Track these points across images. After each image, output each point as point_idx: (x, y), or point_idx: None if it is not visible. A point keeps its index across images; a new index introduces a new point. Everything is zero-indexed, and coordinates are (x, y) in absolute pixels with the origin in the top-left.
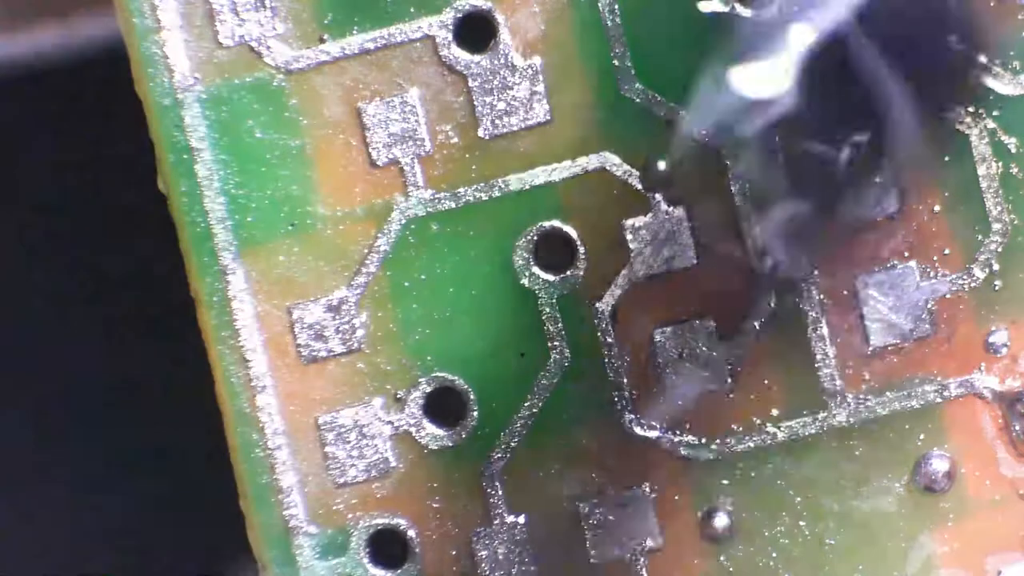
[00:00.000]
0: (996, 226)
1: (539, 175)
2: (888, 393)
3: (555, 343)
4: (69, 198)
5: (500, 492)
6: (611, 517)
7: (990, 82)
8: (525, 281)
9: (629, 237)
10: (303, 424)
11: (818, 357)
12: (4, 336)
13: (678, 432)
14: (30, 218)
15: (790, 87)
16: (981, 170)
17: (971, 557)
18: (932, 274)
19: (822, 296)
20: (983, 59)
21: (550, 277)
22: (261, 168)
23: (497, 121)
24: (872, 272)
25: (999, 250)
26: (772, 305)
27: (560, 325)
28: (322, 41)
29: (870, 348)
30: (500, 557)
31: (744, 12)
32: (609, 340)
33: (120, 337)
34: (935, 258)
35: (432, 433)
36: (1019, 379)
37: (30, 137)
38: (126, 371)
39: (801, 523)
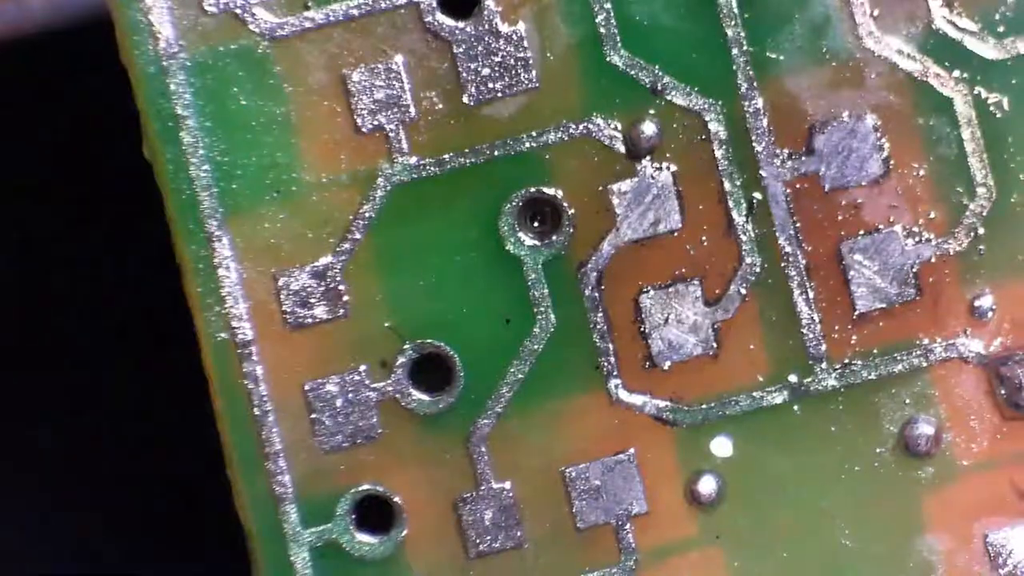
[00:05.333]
0: (980, 190)
1: (524, 141)
2: (873, 357)
3: (541, 308)
4: (54, 166)
5: (486, 458)
6: (597, 483)
7: (975, 46)
8: (510, 247)
9: (615, 201)
10: (289, 391)
11: (803, 322)
12: None
13: (664, 397)
14: (13, 186)
15: None
16: (965, 134)
17: (957, 521)
18: (917, 238)
19: (807, 261)
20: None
21: (535, 242)
22: (246, 135)
23: (482, 87)
24: (857, 237)
25: (984, 214)
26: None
27: (546, 290)
28: (307, 8)
29: (856, 313)
30: (487, 522)
31: None
32: (595, 305)
33: (106, 304)
34: (920, 222)
35: (418, 399)
36: (1004, 343)
37: (13, 105)
38: (112, 340)
39: (787, 487)
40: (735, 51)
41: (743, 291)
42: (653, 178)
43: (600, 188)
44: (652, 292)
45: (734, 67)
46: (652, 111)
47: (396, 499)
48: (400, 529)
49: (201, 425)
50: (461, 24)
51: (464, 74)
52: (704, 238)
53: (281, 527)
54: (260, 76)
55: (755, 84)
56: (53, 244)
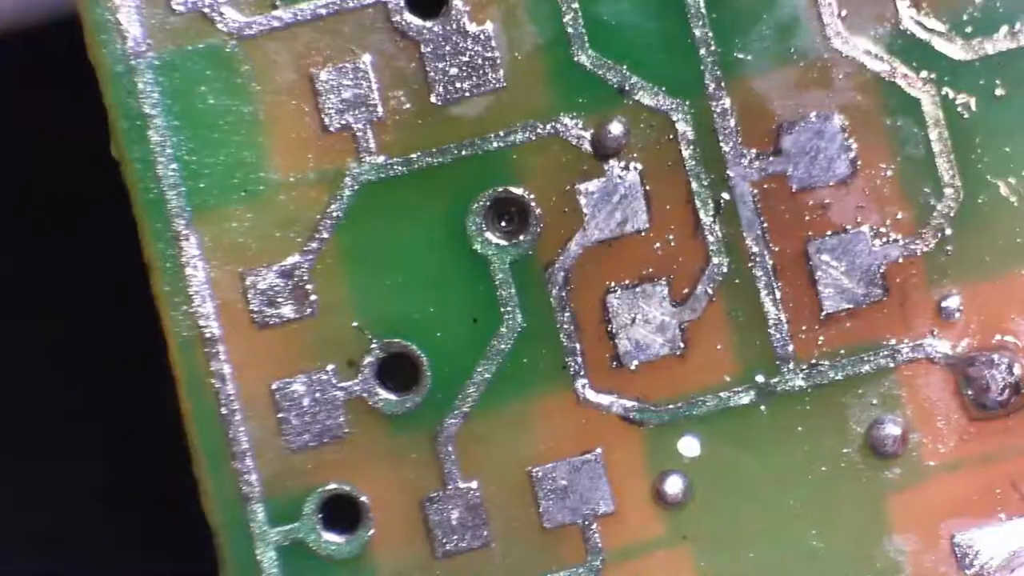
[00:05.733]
0: (948, 191)
1: (492, 141)
2: (841, 358)
3: (508, 308)
4: (21, 164)
5: (453, 457)
6: (564, 482)
7: (942, 46)
8: (478, 246)
9: (582, 201)
10: (256, 390)
11: (770, 322)
12: None
13: (631, 397)
14: None
15: None
16: (933, 134)
17: (924, 522)
18: (884, 239)
19: (774, 261)
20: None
21: (503, 242)
22: (214, 134)
23: (449, 87)
24: (824, 237)
25: (951, 215)
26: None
27: (513, 290)
28: (274, 7)
29: (823, 313)
30: (453, 522)
31: None
32: (562, 304)
33: (74, 306)
34: (887, 223)
35: (385, 399)
36: (970, 343)
37: None
38: (81, 340)
39: (754, 488)
40: (703, 51)
41: (710, 291)
42: (620, 178)
43: (567, 188)
44: (619, 292)
45: (702, 67)
46: (619, 111)
47: (363, 498)
48: (367, 528)
49: (168, 423)
50: (429, 24)
51: (432, 73)
52: (671, 238)
53: (248, 526)
54: (228, 75)
55: (723, 84)
56: (20, 241)
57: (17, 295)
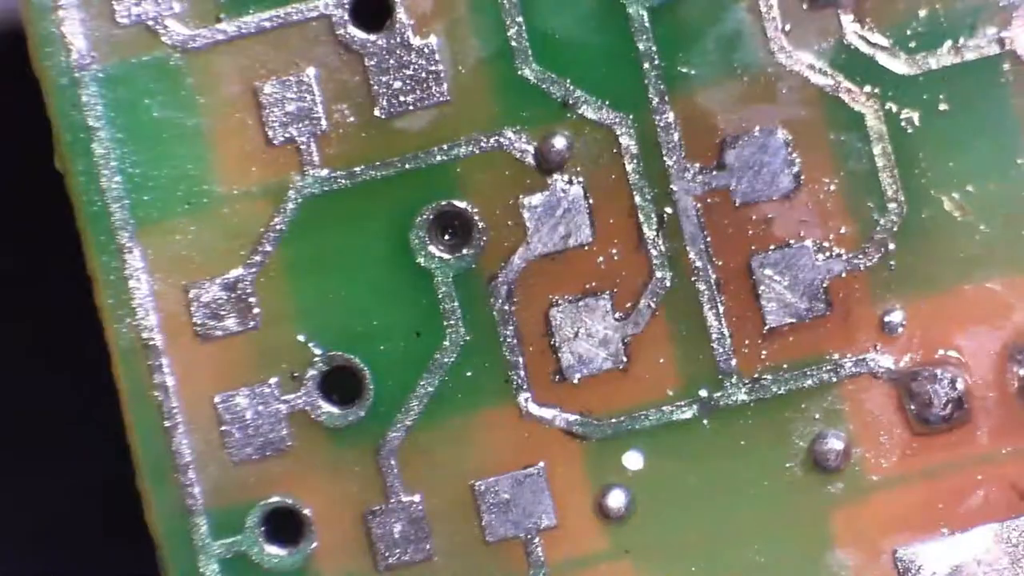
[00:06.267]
0: (891, 205)
1: (435, 154)
2: (784, 372)
3: (451, 322)
4: (21, 164)
5: (396, 471)
6: (506, 496)
7: (886, 61)
8: (421, 260)
9: (526, 215)
10: (199, 402)
11: (713, 336)
12: None
13: (574, 411)
14: None
15: None
16: (876, 149)
17: (867, 537)
18: (828, 253)
19: (717, 275)
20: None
21: (446, 256)
22: (158, 147)
23: (393, 100)
24: (768, 251)
25: (895, 229)
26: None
27: (456, 304)
28: (219, 20)
29: (766, 327)
30: (396, 535)
31: None
32: (505, 318)
33: (73, 306)
34: (831, 237)
35: (328, 412)
36: (913, 358)
37: None
38: (81, 341)
39: (697, 502)
40: (646, 65)
41: (653, 305)
42: (564, 192)
43: (511, 201)
44: (562, 306)
45: (645, 81)
46: (563, 125)
47: (306, 511)
48: (310, 541)
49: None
50: (373, 37)
51: (376, 87)
52: (615, 252)
53: (190, 538)
54: (173, 88)
55: (666, 98)
56: (20, 241)
57: (17, 295)
